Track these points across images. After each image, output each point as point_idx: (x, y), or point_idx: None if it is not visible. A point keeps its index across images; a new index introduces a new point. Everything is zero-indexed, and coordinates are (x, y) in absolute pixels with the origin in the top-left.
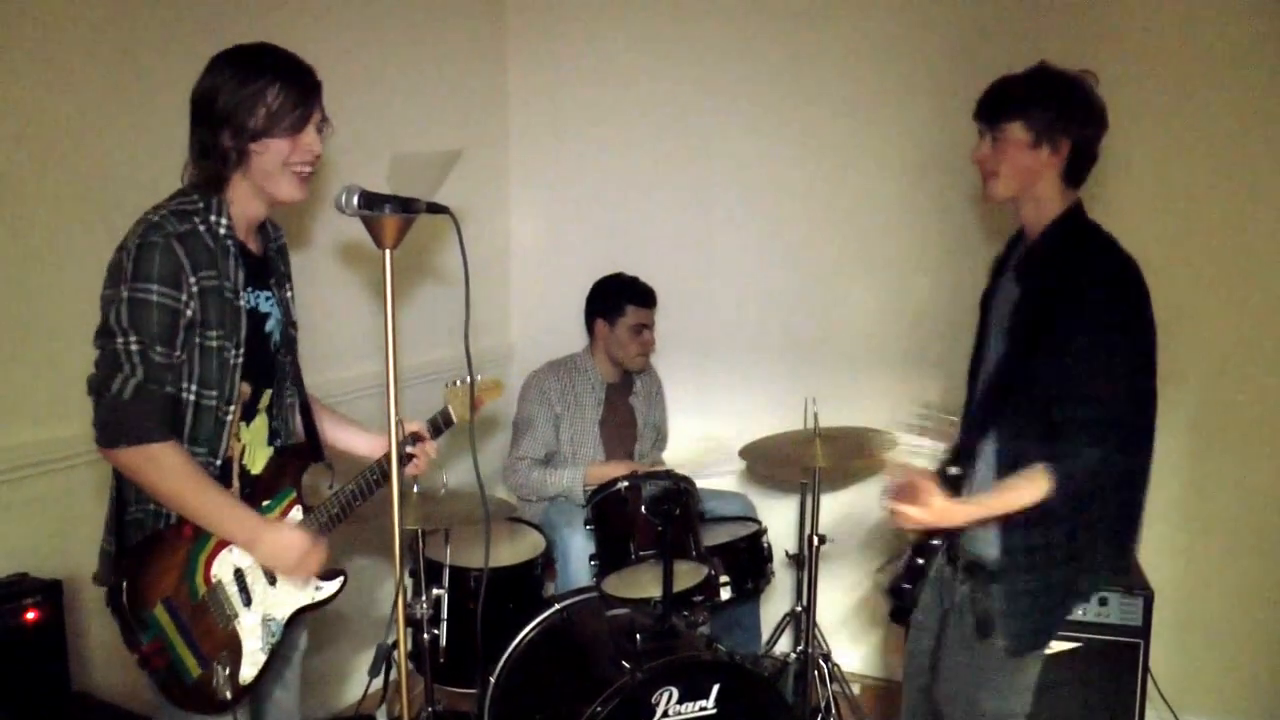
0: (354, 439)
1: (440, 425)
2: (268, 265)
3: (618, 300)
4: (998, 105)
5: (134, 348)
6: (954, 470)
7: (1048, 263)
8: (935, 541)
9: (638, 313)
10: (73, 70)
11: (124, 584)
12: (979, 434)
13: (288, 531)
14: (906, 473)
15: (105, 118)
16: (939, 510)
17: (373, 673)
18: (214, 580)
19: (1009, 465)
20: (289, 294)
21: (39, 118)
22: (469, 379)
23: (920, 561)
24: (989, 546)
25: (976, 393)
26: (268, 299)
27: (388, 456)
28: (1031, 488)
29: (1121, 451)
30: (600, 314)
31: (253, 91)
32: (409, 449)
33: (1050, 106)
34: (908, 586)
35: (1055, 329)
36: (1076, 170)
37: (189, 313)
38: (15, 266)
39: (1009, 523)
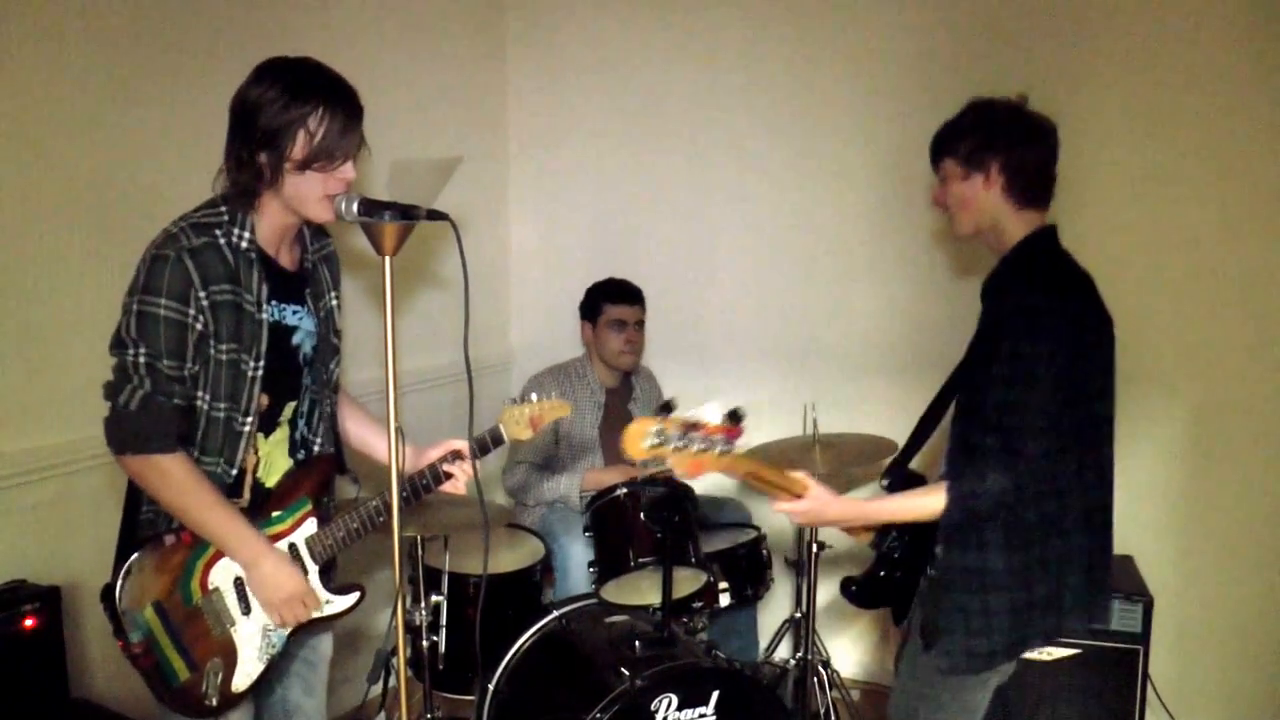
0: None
1: (488, 444)
2: (301, 278)
3: (596, 300)
4: (934, 148)
5: (142, 360)
6: (884, 483)
7: (998, 289)
8: (890, 546)
9: (615, 309)
10: (75, 75)
11: (118, 582)
12: (912, 452)
13: (287, 569)
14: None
15: (108, 123)
16: (814, 503)
17: (371, 679)
18: (211, 587)
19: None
20: (334, 302)
21: (41, 122)
22: (531, 399)
23: (881, 574)
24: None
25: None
26: (295, 313)
27: (420, 472)
28: (929, 502)
29: (1039, 484)
30: (585, 318)
31: (295, 118)
32: (447, 467)
33: (972, 134)
34: (853, 588)
35: (986, 355)
36: (1023, 188)
37: (199, 326)
38: (15, 272)
39: (950, 542)
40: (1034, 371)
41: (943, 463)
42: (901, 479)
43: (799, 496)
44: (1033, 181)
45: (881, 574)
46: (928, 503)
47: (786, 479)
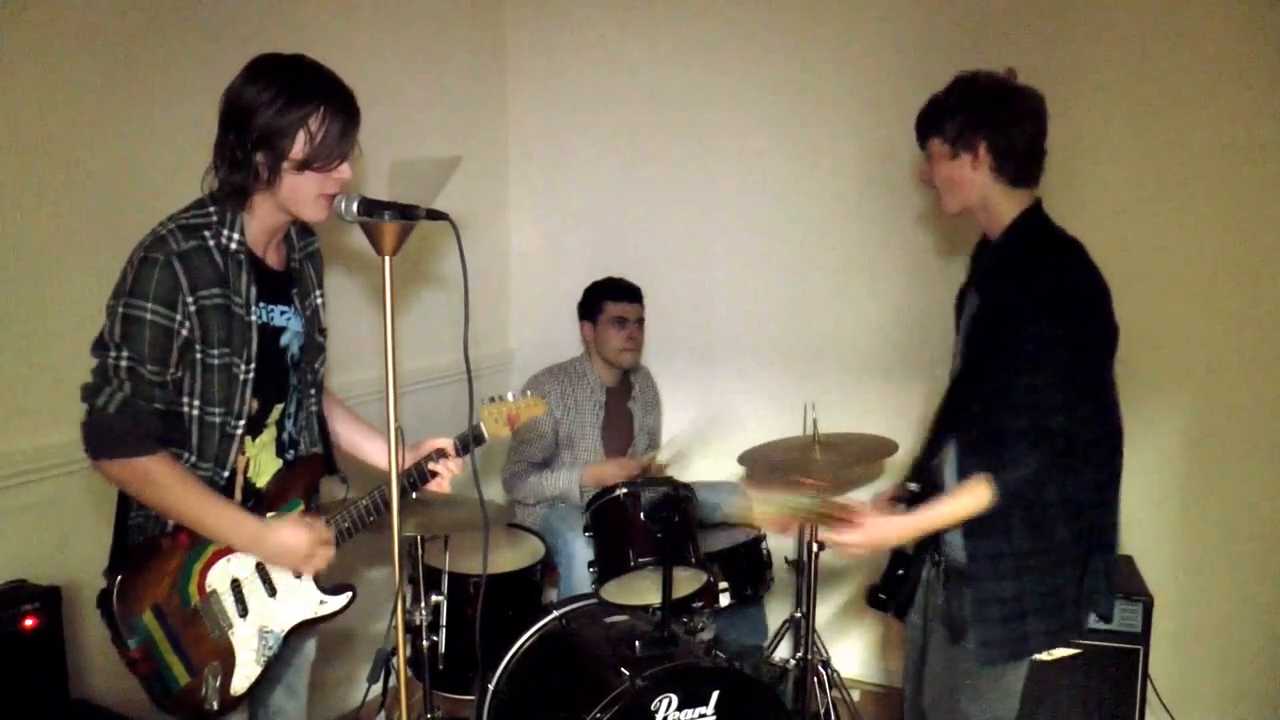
0: (375, 450)
1: (470, 442)
2: (288, 278)
3: (595, 298)
4: (921, 126)
5: (124, 363)
6: (913, 486)
7: (1002, 271)
8: (907, 551)
9: (616, 306)
10: (74, 75)
11: (114, 588)
12: (936, 447)
13: (288, 530)
14: (837, 506)
15: (107, 122)
16: (872, 529)
17: (372, 679)
18: (209, 590)
19: (963, 476)
20: (319, 301)
21: (40, 122)
22: (508, 397)
23: (900, 572)
24: (960, 553)
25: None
26: (283, 313)
27: (408, 471)
28: (972, 498)
29: (1064, 460)
30: (585, 317)
31: (295, 120)
32: (432, 465)
33: (957, 113)
34: (883, 596)
35: (1003, 338)
36: (1014, 168)
37: (184, 332)
38: (14, 272)
39: (971, 530)
40: (1058, 351)
41: (951, 453)
42: (931, 479)
43: (852, 524)
44: (1022, 160)
45: (900, 572)
46: (973, 500)
47: (844, 508)
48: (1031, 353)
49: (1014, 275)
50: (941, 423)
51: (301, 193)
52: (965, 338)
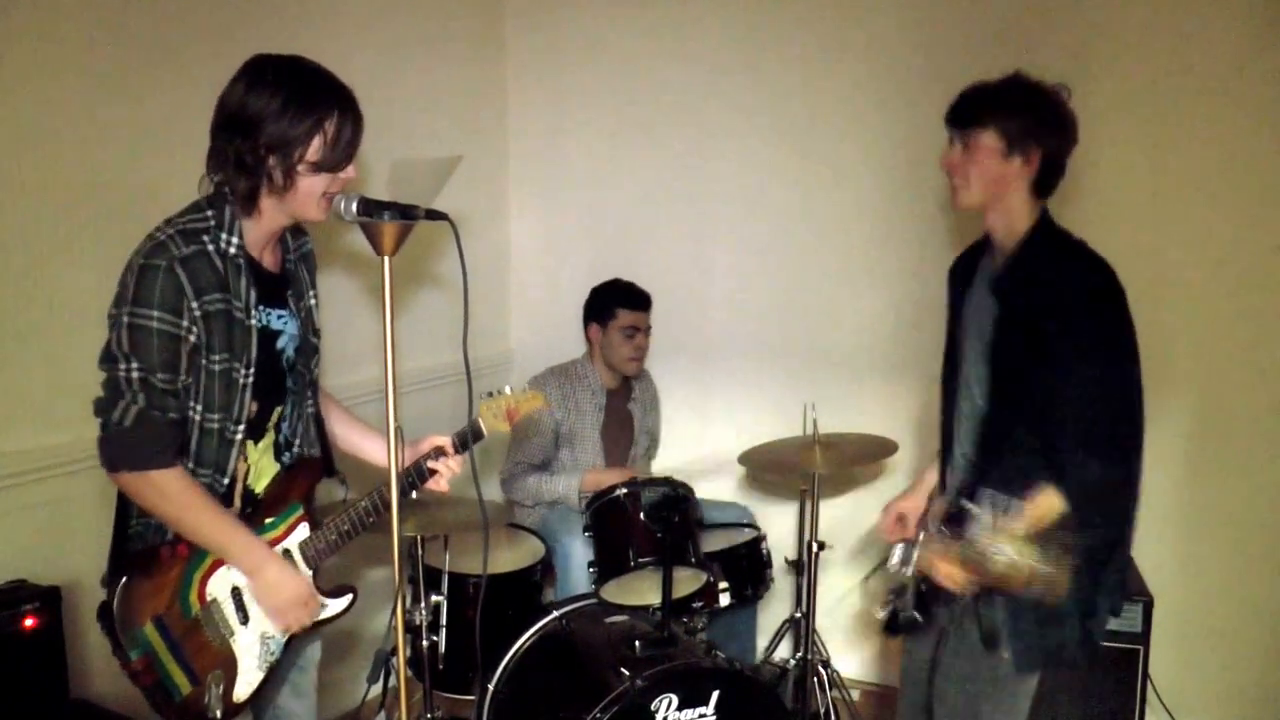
0: (375, 449)
1: (469, 439)
2: (284, 280)
3: (609, 303)
4: (970, 111)
5: (135, 374)
6: (972, 506)
7: (1029, 279)
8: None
9: (629, 315)
10: (75, 75)
11: (114, 599)
12: (986, 463)
13: (290, 574)
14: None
15: (107, 123)
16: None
17: (371, 679)
18: (209, 598)
19: (1008, 488)
20: (312, 302)
21: (40, 122)
22: (505, 391)
23: (924, 588)
24: None
25: (957, 416)
26: (280, 317)
27: (407, 470)
28: (1048, 509)
29: (1120, 463)
30: (594, 319)
31: (310, 125)
32: (431, 464)
33: (1024, 115)
34: (920, 618)
35: (1047, 348)
36: (1046, 182)
37: (191, 338)
38: (14, 272)
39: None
40: (1111, 354)
41: (968, 452)
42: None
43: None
44: (1057, 176)
45: (923, 588)
46: (1048, 511)
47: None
48: (1089, 358)
49: (1047, 282)
50: (987, 442)
51: (308, 194)
52: (989, 348)
